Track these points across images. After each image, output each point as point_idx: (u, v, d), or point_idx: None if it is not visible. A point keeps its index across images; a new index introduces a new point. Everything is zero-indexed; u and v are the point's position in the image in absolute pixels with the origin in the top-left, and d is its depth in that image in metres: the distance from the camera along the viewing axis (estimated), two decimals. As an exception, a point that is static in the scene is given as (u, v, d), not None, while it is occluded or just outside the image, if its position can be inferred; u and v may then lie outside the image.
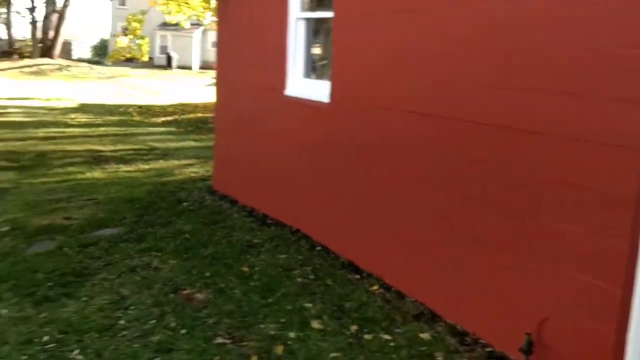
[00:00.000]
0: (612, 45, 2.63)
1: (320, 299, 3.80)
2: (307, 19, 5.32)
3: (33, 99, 18.94)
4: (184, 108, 18.55)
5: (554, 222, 2.89)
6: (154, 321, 3.40)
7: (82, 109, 17.08)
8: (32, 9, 36.11)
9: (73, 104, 18.24)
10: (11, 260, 4.39)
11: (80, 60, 39.62)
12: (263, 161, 5.79)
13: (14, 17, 39.17)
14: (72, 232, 5.05)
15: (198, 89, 27.11)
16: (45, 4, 35.52)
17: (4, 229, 5.26)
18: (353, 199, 4.51)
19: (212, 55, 42.73)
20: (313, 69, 5.48)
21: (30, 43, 36.16)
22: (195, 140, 12.18)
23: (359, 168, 4.43)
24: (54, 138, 11.66)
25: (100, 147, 10.64)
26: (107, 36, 45.68)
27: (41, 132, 12.29)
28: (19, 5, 39.78)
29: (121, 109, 17.51)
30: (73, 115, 15.28)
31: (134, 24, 20.43)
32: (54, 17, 34.93)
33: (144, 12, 20.35)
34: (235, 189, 6.28)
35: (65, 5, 35.10)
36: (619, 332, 2.62)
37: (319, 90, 4.94)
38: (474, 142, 3.39)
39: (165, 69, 36.80)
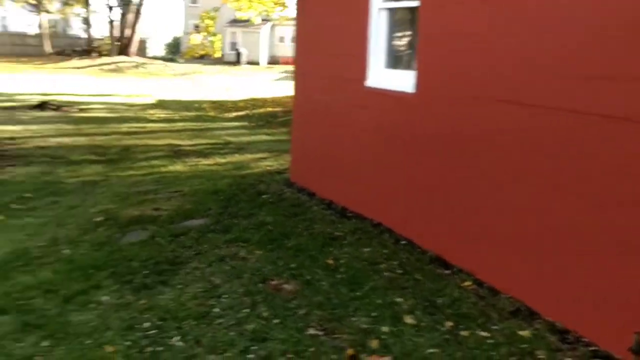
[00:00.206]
0: None
1: (410, 294, 3.75)
2: (390, 9, 5.25)
3: (113, 95, 19.80)
4: (254, 103, 18.87)
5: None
6: (247, 310, 3.46)
7: (160, 105, 17.69)
8: (110, 8, 37.71)
9: (151, 100, 18.93)
10: (108, 249, 4.58)
11: (154, 58, 41.12)
12: (342, 153, 5.77)
13: (92, 17, 40.99)
14: (162, 223, 5.22)
15: (266, 83, 27.53)
16: (121, 3, 37.00)
17: (98, 219, 5.50)
18: (440, 192, 4.41)
19: (279, 50, 43.33)
20: (395, 59, 5.40)
21: (108, 41, 37.81)
22: (267, 134, 12.36)
23: (446, 160, 4.33)
24: (136, 133, 12.13)
25: (180, 142, 10.97)
26: (179, 34, 47.16)
27: (124, 127, 12.82)
28: (98, 5, 41.56)
29: (196, 105, 18.00)
30: (152, 111, 15.84)
31: (207, 21, 20.97)
32: (130, 16, 36.34)
33: (216, 10, 20.84)
34: (313, 181, 6.30)
35: (140, 4, 36.45)
36: None
37: (402, 81, 4.87)
38: (575, 133, 3.22)
39: (235, 65, 37.55)
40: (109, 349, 3.01)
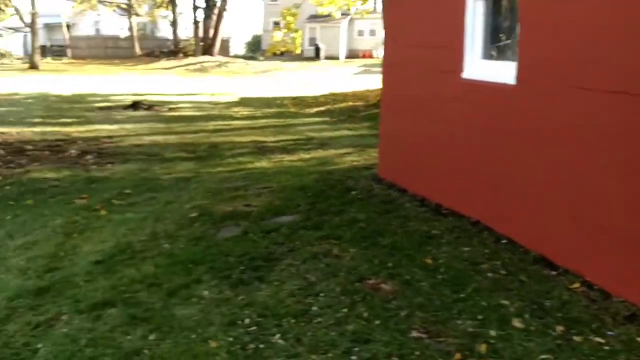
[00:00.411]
0: None
1: (516, 296, 3.55)
2: (487, -3, 5.01)
3: (199, 94, 20.45)
4: (334, 98, 18.86)
5: None
6: (345, 310, 3.39)
7: (243, 102, 18.07)
8: (194, 9, 38.99)
9: (234, 98, 19.37)
10: (204, 245, 4.66)
11: (235, 56, 42.16)
12: (436, 148, 5.59)
13: (179, 19, 42.55)
14: (254, 219, 5.26)
15: (346, 78, 27.49)
16: (206, 5, 38.16)
17: (193, 214, 5.63)
18: (545, 188, 4.16)
19: (358, 44, 43.19)
20: (493, 49, 5.15)
21: (193, 42, 39.13)
22: (349, 129, 12.29)
23: (551, 153, 4.07)
24: (222, 130, 12.43)
25: (263, 138, 11.12)
26: (259, 32, 48.07)
27: (210, 125, 13.17)
28: (184, 7, 43.14)
29: (277, 101, 18.24)
30: (236, 109, 16.20)
31: (289, 18, 21.18)
32: (214, 17, 37.42)
33: (297, 6, 21.00)
34: (403, 177, 6.15)
35: (224, 5, 37.45)
36: None
37: (502, 72, 4.63)
38: None
39: (314, 60, 37.80)
40: (213, 344, 3.04)
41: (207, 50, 37.19)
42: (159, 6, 44.57)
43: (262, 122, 13.76)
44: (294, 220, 5.15)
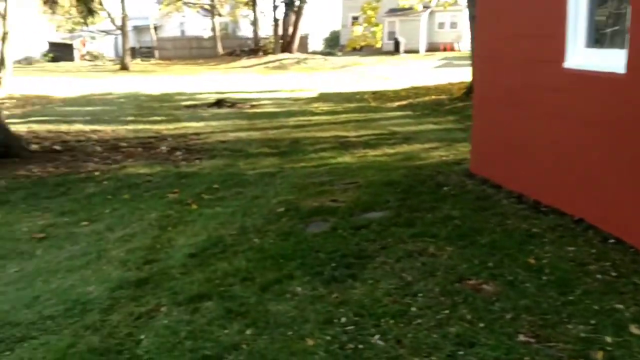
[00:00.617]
0: None
1: (631, 300, 3.26)
2: (593, -21, 4.66)
3: (279, 91, 20.73)
4: (416, 91, 18.53)
5: None
6: (446, 311, 3.24)
7: (322, 98, 18.11)
8: (274, 8, 39.58)
9: (314, 93, 19.47)
10: (294, 240, 4.63)
11: (314, 52, 42.44)
12: (535, 142, 5.28)
13: (259, 18, 43.37)
14: (342, 214, 5.18)
15: (427, 71, 26.96)
16: (285, 3, 38.62)
17: (280, 209, 5.63)
18: (663, 184, 3.80)
19: (439, 37, 42.29)
20: (599, 37, 4.79)
21: (273, 40, 39.75)
22: (434, 123, 11.99)
23: (672, 147, 3.71)
24: (303, 126, 12.50)
25: (345, 133, 11.06)
26: (337, 27, 48.11)
27: (291, 120, 13.28)
28: (264, 6, 43.97)
29: (357, 96, 18.15)
30: (316, 105, 16.25)
31: (369, 12, 21.02)
32: (293, 14, 37.82)
33: (378, 0, 20.78)
34: (498, 172, 5.87)
35: (302, 3, 37.76)
36: None
37: (609, 60, 4.28)
38: None
39: (393, 54, 37.36)
40: (310, 342, 2.98)
41: (286, 47, 37.66)
42: (236, 6, 45.61)
43: (343, 117, 13.70)
44: (384, 216, 5.02)
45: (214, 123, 13.14)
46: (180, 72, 32.09)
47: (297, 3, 37.85)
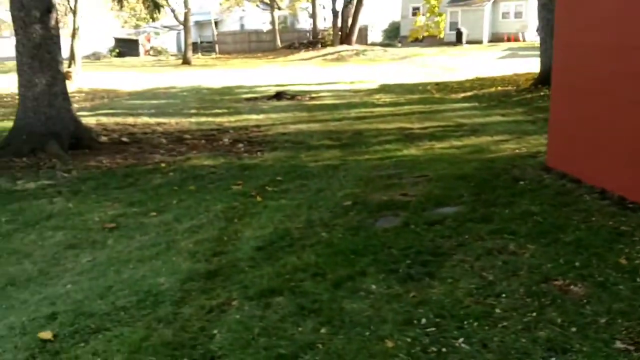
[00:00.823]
0: None
1: None
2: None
3: (339, 82, 20.54)
4: (481, 83, 17.95)
5: None
6: (533, 313, 3.01)
7: (384, 89, 17.82)
8: (333, 0, 39.35)
9: (374, 85, 19.19)
10: (363, 235, 4.49)
11: (373, 44, 41.99)
12: (622, 133, 4.91)
13: (317, 10, 43.27)
14: (414, 209, 4.99)
15: (490, 62, 26.13)
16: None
17: (347, 203, 5.50)
18: None
19: (502, 27, 40.96)
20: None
21: (331, 32, 39.58)
22: (502, 115, 11.53)
23: None
24: (365, 118, 12.29)
25: (409, 125, 10.79)
26: (397, 18, 47.42)
27: (353, 112, 13.09)
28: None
29: (420, 87, 17.76)
30: (377, 96, 15.99)
31: (432, 2, 20.52)
32: (352, 6, 37.50)
33: (441, -11, 20.27)
34: (578, 166, 5.52)
35: (363, -6, 37.38)
36: None
37: None
38: None
39: (455, 45, 36.46)
40: (389, 343, 2.83)
41: (345, 39, 37.39)
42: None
43: (406, 108, 13.40)
44: (458, 211, 4.80)
45: (274, 115, 13.12)
46: (240, 65, 32.41)
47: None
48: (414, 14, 37.29)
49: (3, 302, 3.90)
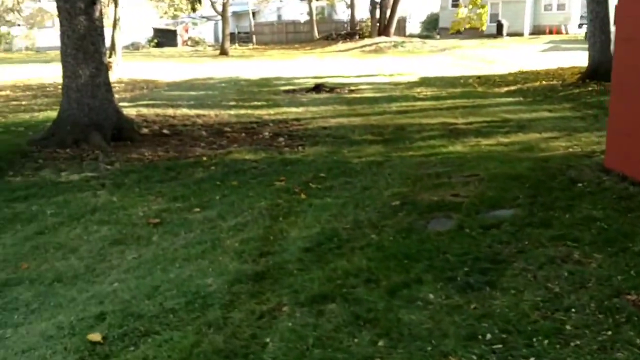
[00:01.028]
0: None
1: None
2: None
3: (377, 75, 20.25)
4: (524, 76, 17.43)
5: None
6: (608, 332, 2.81)
7: (424, 82, 17.46)
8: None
9: (414, 77, 18.83)
10: (416, 238, 4.31)
11: (411, 36, 41.38)
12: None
13: (356, 0, 42.84)
14: (467, 211, 4.78)
15: (533, 55, 25.42)
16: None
17: (395, 202, 5.32)
18: None
19: (544, 19, 39.90)
20: None
21: (369, 23, 39.14)
22: (549, 111, 11.14)
23: None
24: (406, 112, 12.02)
25: (453, 120, 10.50)
26: (436, 10, 46.63)
27: (393, 106, 12.83)
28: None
29: (461, 81, 17.34)
30: (418, 89, 15.67)
31: (475, -7, 20.00)
32: (391, -3, 36.97)
33: (484, -21, 19.74)
34: (641, 168, 5.22)
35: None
36: None
37: None
38: None
39: (495, 37, 35.65)
40: (453, 360, 2.67)
41: (383, 30, 36.91)
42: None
43: (449, 102, 13.07)
44: (515, 214, 4.57)
45: (313, 108, 12.96)
46: (277, 56, 32.34)
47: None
48: (454, 6, 36.57)
49: (51, 299, 3.87)
